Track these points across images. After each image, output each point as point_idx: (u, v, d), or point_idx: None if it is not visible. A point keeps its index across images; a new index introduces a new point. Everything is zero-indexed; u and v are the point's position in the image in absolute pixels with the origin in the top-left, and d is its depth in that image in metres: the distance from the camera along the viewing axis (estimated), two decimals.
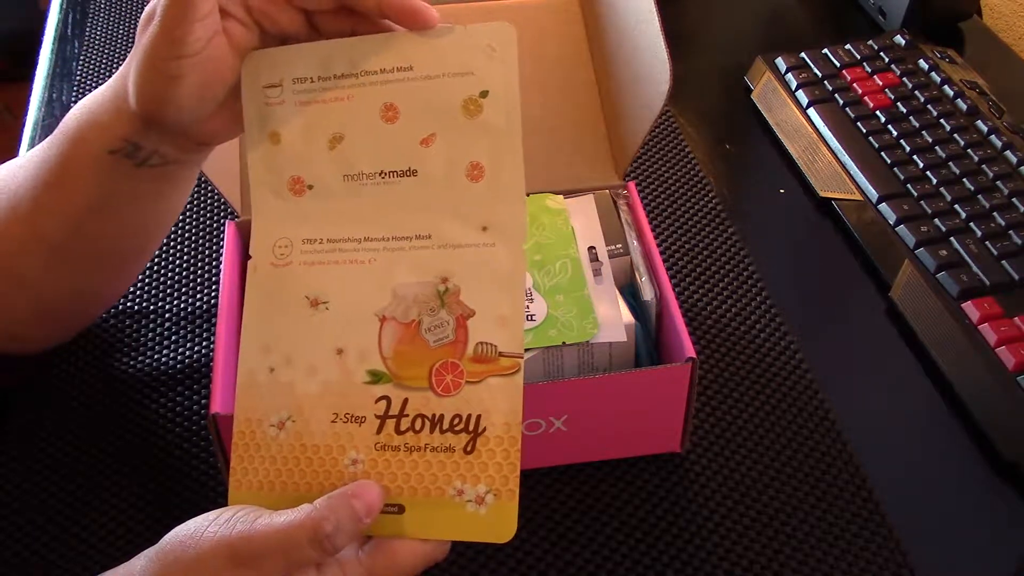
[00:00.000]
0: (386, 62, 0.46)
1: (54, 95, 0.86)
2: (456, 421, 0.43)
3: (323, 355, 0.45)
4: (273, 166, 0.48)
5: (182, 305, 0.68)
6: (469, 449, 0.42)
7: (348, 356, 0.45)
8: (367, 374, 0.44)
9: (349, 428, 0.44)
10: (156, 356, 0.64)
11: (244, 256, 0.63)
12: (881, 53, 0.85)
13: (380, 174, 0.46)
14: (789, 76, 0.84)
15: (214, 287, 0.69)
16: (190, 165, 0.53)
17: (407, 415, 0.43)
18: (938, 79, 0.82)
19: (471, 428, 0.43)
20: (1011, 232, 0.68)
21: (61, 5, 0.97)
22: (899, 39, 0.86)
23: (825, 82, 0.82)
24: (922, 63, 0.84)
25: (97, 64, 0.89)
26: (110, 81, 0.50)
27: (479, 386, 0.43)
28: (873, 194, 0.73)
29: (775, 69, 0.85)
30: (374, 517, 0.42)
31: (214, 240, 0.72)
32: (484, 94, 0.45)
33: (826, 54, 0.85)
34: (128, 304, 0.68)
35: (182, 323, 0.66)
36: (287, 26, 0.47)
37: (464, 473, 0.42)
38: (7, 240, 0.54)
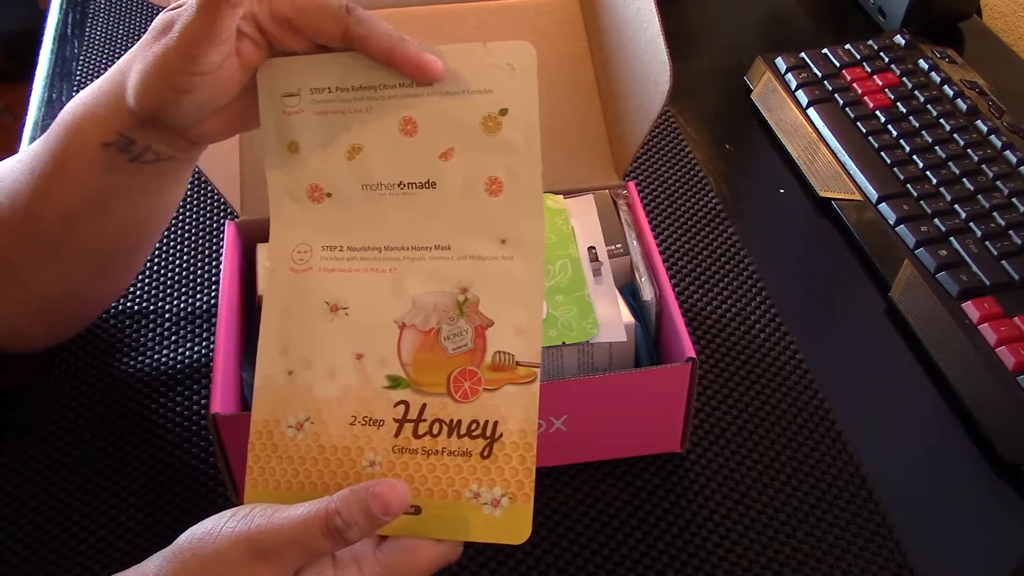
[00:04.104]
0: (398, 77, 0.46)
1: (54, 95, 0.86)
2: (473, 426, 0.44)
3: (342, 359, 0.46)
4: (292, 174, 0.48)
5: (182, 305, 0.68)
6: (486, 454, 0.43)
7: (367, 361, 0.46)
8: (386, 379, 0.45)
9: (367, 431, 0.45)
10: (156, 356, 0.64)
11: (244, 256, 0.63)
12: (881, 53, 0.85)
13: (399, 185, 0.47)
14: (789, 76, 0.84)
15: (214, 287, 0.69)
16: (184, 163, 0.53)
17: (425, 420, 0.44)
18: (938, 79, 0.82)
19: (488, 433, 0.44)
20: (1011, 232, 0.68)
21: (61, 5, 0.97)
22: (899, 39, 0.86)
23: (825, 82, 0.82)
24: (922, 63, 0.84)
25: (97, 64, 0.89)
26: (107, 75, 0.50)
27: (496, 393, 0.44)
28: (873, 194, 0.73)
29: (775, 69, 0.85)
30: (394, 516, 0.42)
31: (214, 240, 0.72)
32: (503, 112, 0.45)
33: (826, 54, 0.85)
34: (128, 304, 0.68)
35: (182, 323, 0.66)
36: (296, 48, 0.47)
37: (480, 477, 0.43)
38: (5, 235, 0.54)
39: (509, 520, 0.43)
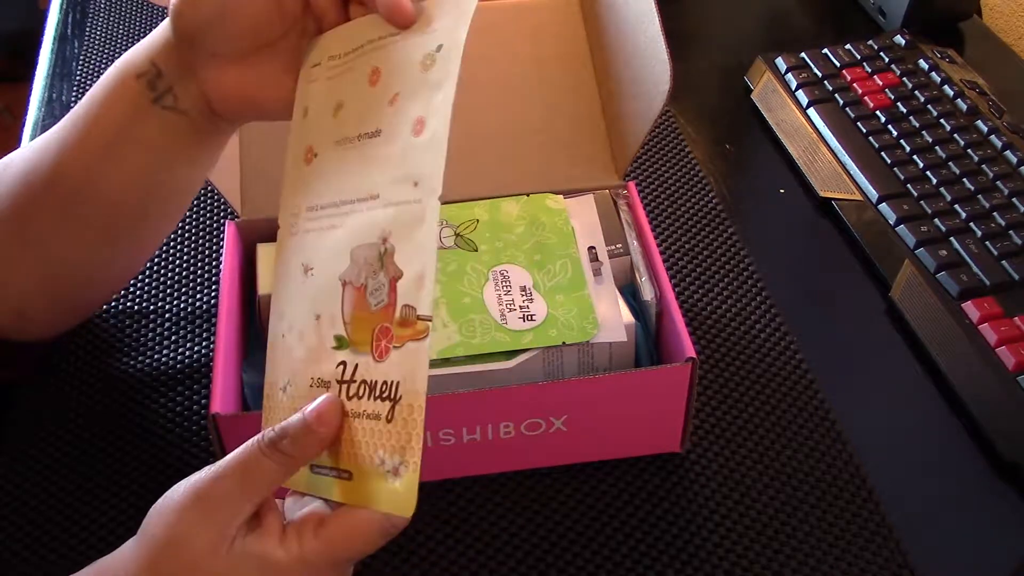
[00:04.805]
0: (384, 30, 0.47)
1: (54, 95, 0.86)
2: (384, 388, 0.41)
3: (308, 321, 0.46)
4: (299, 139, 0.50)
5: (182, 305, 0.68)
6: (390, 417, 0.41)
7: (323, 322, 0.45)
8: (334, 339, 0.45)
9: (319, 392, 0.44)
10: (156, 356, 0.64)
11: (244, 256, 0.63)
12: (881, 53, 0.85)
13: (359, 137, 0.46)
14: (789, 76, 0.84)
15: (214, 287, 0.69)
16: (200, 132, 0.53)
17: (355, 381, 0.43)
18: (938, 79, 0.82)
19: (392, 395, 0.41)
20: (1011, 232, 0.68)
21: (61, 5, 0.97)
22: (899, 39, 0.86)
23: (825, 82, 0.82)
24: (922, 63, 0.84)
25: (97, 64, 0.89)
26: None
27: (401, 351, 0.41)
28: (873, 194, 0.73)
29: (775, 69, 0.85)
30: (330, 429, 0.42)
31: (214, 240, 0.72)
32: (439, 48, 0.44)
33: (826, 54, 0.85)
34: (128, 304, 0.68)
35: (182, 323, 0.66)
36: (324, 6, 0.50)
37: (384, 442, 0.41)
38: (24, 197, 0.55)
39: (404, 490, 0.40)
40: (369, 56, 0.47)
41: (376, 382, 0.42)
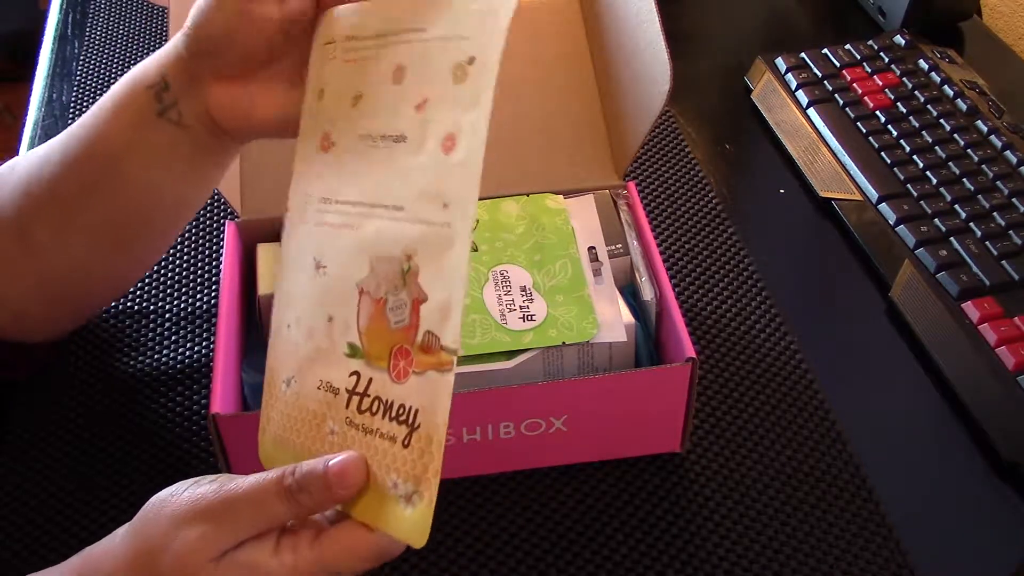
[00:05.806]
0: (408, 22, 0.45)
1: (54, 95, 0.86)
2: (401, 411, 0.41)
3: (319, 320, 0.45)
4: (314, 121, 0.49)
5: (182, 305, 0.68)
6: (406, 443, 0.40)
7: (335, 325, 0.45)
8: (347, 346, 0.44)
9: (328, 397, 0.44)
10: (156, 356, 0.64)
11: (244, 256, 0.63)
12: (881, 53, 0.85)
13: (382, 137, 0.45)
14: (789, 76, 0.84)
15: (214, 287, 0.69)
16: (202, 148, 0.53)
17: (369, 395, 0.42)
18: (938, 79, 0.82)
19: (410, 421, 0.41)
20: (1011, 232, 0.68)
21: (61, 5, 0.97)
22: (899, 39, 0.86)
23: (825, 82, 0.82)
24: (922, 63, 0.84)
25: (97, 64, 0.89)
26: None
27: (422, 378, 0.41)
28: (873, 194, 0.73)
29: (775, 69, 0.85)
30: (351, 491, 0.41)
31: (214, 240, 0.72)
32: (471, 60, 0.42)
33: (826, 54, 0.85)
34: (128, 304, 0.68)
35: (182, 323, 0.66)
36: None
37: (399, 467, 0.41)
38: (25, 206, 0.55)
39: (416, 519, 0.40)
40: (392, 50, 0.46)
41: (392, 403, 0.41)
